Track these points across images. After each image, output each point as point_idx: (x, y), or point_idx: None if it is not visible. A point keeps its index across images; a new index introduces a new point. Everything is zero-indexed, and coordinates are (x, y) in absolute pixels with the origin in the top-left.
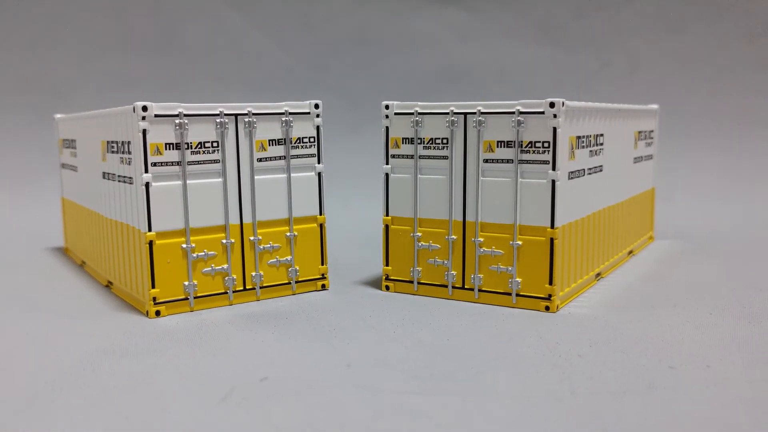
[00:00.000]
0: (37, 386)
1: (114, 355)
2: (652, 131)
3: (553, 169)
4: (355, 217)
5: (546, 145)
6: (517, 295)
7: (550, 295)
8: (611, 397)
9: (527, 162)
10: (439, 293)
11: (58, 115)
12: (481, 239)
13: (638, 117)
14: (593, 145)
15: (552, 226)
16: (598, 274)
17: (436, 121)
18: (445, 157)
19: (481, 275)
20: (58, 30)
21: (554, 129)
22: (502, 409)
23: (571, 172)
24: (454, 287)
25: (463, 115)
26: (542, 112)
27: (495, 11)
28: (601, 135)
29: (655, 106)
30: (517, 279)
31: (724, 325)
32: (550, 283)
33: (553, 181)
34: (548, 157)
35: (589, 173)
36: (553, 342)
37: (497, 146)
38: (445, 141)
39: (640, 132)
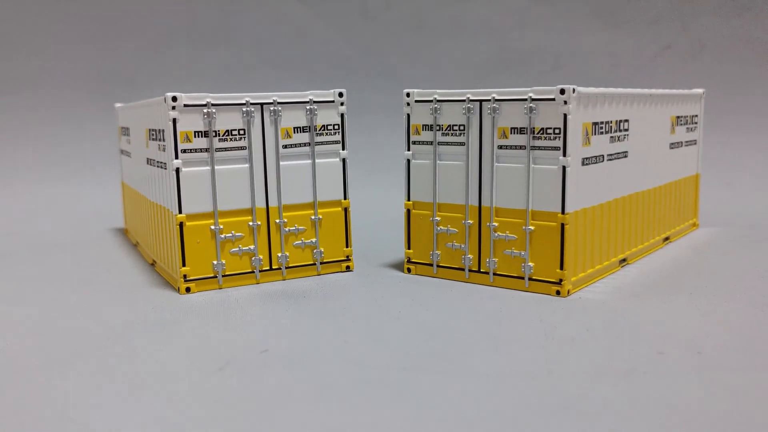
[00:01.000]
0: (60, 352)
1: (137, 326)
2: (695, 116)
3: (564, 155)
4: (398, 200)
5: (557, 131)
6: (530, 279)
7: (560, 280)
8: (585, 379)
9: (539, 148)
10: (457, 276)
11: (118, 104)
12: (496, 224)
13: (676, 102)
14: (615, 131)
15: (563, 212)
16: (624, 260)
17: (453, 108)
18: (462, 144)
19: (496, 259)
20: (134, 22)
21: (564, 116)
22: (476, 386)
23: (586, 159)
24: (470, 270)
25: (478, 102)
26: (553, 99)
27: None
28: (626, 121)
29: (699, 90)
30: (530, 263)
31: (734, 313)
32: (561, 267)
33: (564, 167)
34: (559, 143)
35: (610, 159)
36: (551, 325)
37: (511, 133)
38: (462, 127)
39: (678, 117)
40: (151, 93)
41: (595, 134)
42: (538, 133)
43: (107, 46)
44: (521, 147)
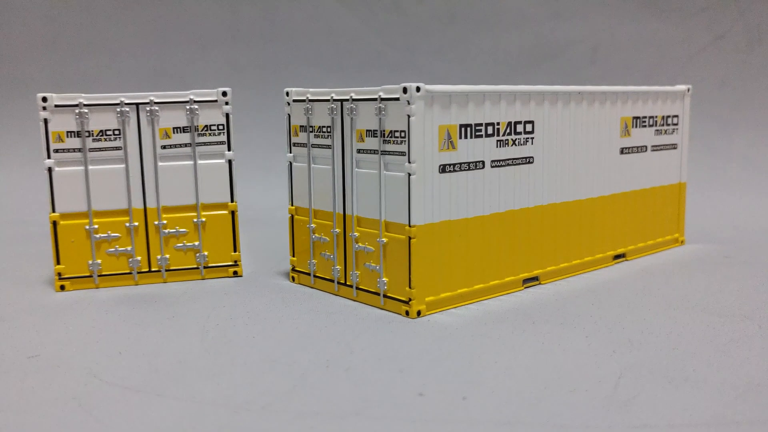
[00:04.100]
0: None
1: None
2: (674, 116)
3: (409, 161)
4: None
5: (403, 134)
6: (385, 296)
7: (409, 299)
8: (274, 412)
9: (389, 153)
10: (329, 288)
11: None
12: (357, 234)
13: (633, 100)
14: (507, 134)
15: (409, 224)
16: (534, 279)
17: (322, 108)
18: (329, 146)
19: (358, 272)
20: (178, 22)
21: (408, 117)
22: (201, 391)
23: (448, 165)
24: (339, 283)
25: (340, 103)
26: (398, 99)
27: None
28: (530, 122)
29: (682, 87)
30: (384, 279)
31: (580, 353)
32: (410, 285)
33: (409, 175)
34: (406, 148)
35: (498, 166)
36: (351, 351)
37: (366, 135)
38: (329, 129)
39: (637, 118)
40: (194, 88)
41: (466, 138)
42: (388, 137)
43: (158, 44)
44: (375, 151)
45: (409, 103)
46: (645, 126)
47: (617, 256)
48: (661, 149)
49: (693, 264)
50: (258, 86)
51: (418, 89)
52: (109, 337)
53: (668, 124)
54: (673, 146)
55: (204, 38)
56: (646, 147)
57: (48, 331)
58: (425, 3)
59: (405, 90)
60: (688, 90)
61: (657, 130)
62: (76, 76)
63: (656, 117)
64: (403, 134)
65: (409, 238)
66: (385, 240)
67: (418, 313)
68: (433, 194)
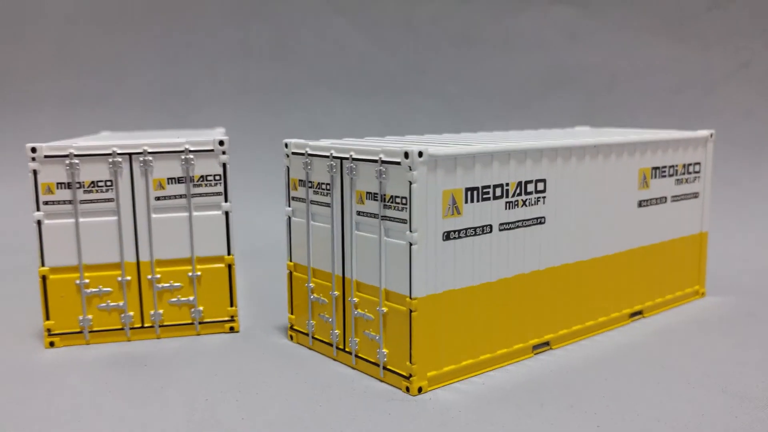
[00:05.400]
0: None
1: None
2: (696, 164)
3: (410, 230)
4: None
5: (405, 201)
6: (384, 368)
7: (410, 375)
8: None
9: (390, 219)
10: (328, 351)
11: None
12: (356, 300)
13: (652, 150)
14: (516, 195)
15: (410, 296)
16: (545, 344)
17: (321, 164)
18: (329, 205)
19: (358, 339)
20: (188, 41)
21: (410, 183)
22: None
23: (453, 232)
24: (338, 348)
25: (339, 160)
26: (399, 163)
27: (609, 5)
28: (541, 181)
29: (705, 133)
30: (384, 350)
31: None
32: (410, 361)
33: (410, 244)
34: (407, 215)
35: (506, 229)
36: None
37: (366, 198)
38: (328, 187)
39: (656, 168)
40: (203, 106)
41: (472, 201)
42: (388, 201)
43: (166, 62)
44: (375, 215)
45: (410, 169)
46: (665, 176)
47: (633, 314)
48: (681, 199)
49: (713, 323)
50: (267, 108)
51: (420, 154)
52: (84, 417)
53: (689, 173)
54: (695, 195)
55: (214, 57)
56: (665, 198)
57: (18, 404)
58: (439, 24)
59: (406, 155)
60: (711, 135)
61: (677, 180)
62: (84, 94)
63: (677, 166)
64: (404, 200)
65: (410, 311)
66: (385, 309)
67: (419, 390)
68: (436, 263)
